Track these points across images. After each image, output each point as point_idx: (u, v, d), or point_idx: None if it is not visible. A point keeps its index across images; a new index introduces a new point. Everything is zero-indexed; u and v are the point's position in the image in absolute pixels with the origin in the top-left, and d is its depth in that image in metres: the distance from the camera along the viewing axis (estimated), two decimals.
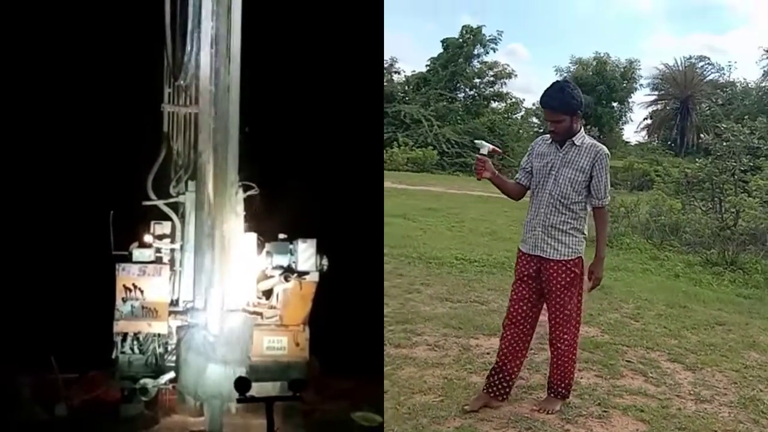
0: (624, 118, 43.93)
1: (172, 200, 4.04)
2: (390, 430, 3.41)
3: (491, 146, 3.67)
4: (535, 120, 38.86)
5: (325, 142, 4.36)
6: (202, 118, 3.92)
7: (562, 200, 3.55)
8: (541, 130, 30.07)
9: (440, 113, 34.76)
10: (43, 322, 3.82)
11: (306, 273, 4.02)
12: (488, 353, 4.62)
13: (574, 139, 3.56)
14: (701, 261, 10.06)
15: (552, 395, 3.79)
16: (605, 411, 3.85)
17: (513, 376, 3.78)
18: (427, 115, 33.91)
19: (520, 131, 37.37)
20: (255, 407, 3.21)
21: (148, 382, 3.79)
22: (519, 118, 38.83)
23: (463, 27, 37.54)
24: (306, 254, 4.03)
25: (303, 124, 4.34)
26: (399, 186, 20.69)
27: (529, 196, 3.79)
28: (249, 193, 4.04)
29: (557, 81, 3.69)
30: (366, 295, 4.02)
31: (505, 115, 37.85)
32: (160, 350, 3.85)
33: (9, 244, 3.87)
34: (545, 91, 3.59)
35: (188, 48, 3.95)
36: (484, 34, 37.16)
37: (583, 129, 3.65)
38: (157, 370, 3.83)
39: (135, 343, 3.81)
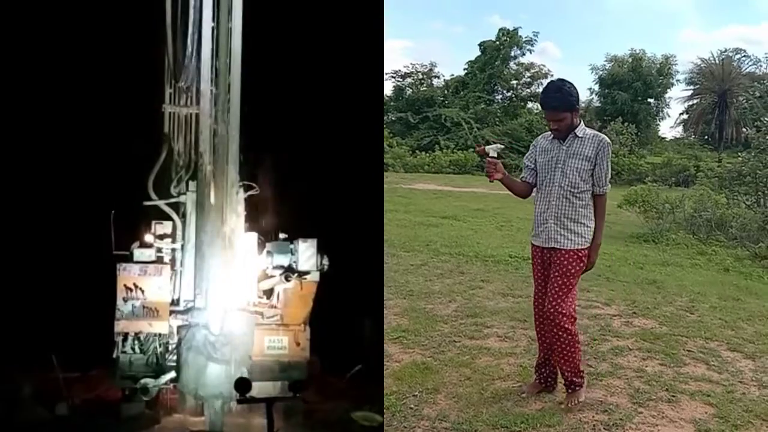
0: (661, 114, 42.83)
1: (173, 200, 4.06)
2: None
3: (500, 146, 3.79)
4: None
5: (326, 141, 4.37)
6: (202, 118, 3.94)
7: (572, 190, 3.69)
8: None
9: (479, 115, 35.29)
10: (45, 322, 3.83)
11: (307, 273, 4.02)
12: None
13: (576, 131, 3.71)
14: (750, 255, 10.00)
15: (570, 390, 3.85)
16: (673, 396, 4.04)
17: (556, 367, 3.94)
18: (467, 118, 34.30)
19: None
20: (256, 407, 3.21)
21: (149, 381, 3.78)
22: None
23: (500, 30, 37.95)
24: (307, 254, 4.04)
25: (303, 124, 4.35)
26: (445, 188, 21.48)
27: (535, 192, 3.91)
28: (250, 192, 4.06)
29: (552, 81, 3.86)
30: (366, 295, 4.02)
31: (543, 115, 37.26)
32: (161, 350, 3.85)
33: (11, 243, 3.88)
34: (543, 92, 3.80)
35: (189, 49, 3.96)
36: (520, 36, 37.33)
37: (582, 122, 3.79)
38: (158, 370, 3.82)
39: (136, 342, 3.81)
